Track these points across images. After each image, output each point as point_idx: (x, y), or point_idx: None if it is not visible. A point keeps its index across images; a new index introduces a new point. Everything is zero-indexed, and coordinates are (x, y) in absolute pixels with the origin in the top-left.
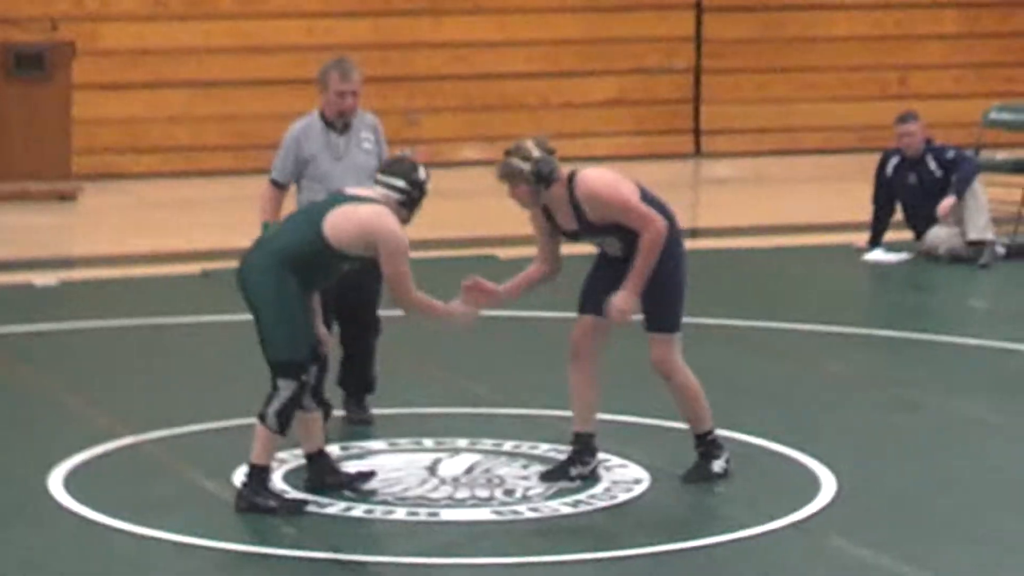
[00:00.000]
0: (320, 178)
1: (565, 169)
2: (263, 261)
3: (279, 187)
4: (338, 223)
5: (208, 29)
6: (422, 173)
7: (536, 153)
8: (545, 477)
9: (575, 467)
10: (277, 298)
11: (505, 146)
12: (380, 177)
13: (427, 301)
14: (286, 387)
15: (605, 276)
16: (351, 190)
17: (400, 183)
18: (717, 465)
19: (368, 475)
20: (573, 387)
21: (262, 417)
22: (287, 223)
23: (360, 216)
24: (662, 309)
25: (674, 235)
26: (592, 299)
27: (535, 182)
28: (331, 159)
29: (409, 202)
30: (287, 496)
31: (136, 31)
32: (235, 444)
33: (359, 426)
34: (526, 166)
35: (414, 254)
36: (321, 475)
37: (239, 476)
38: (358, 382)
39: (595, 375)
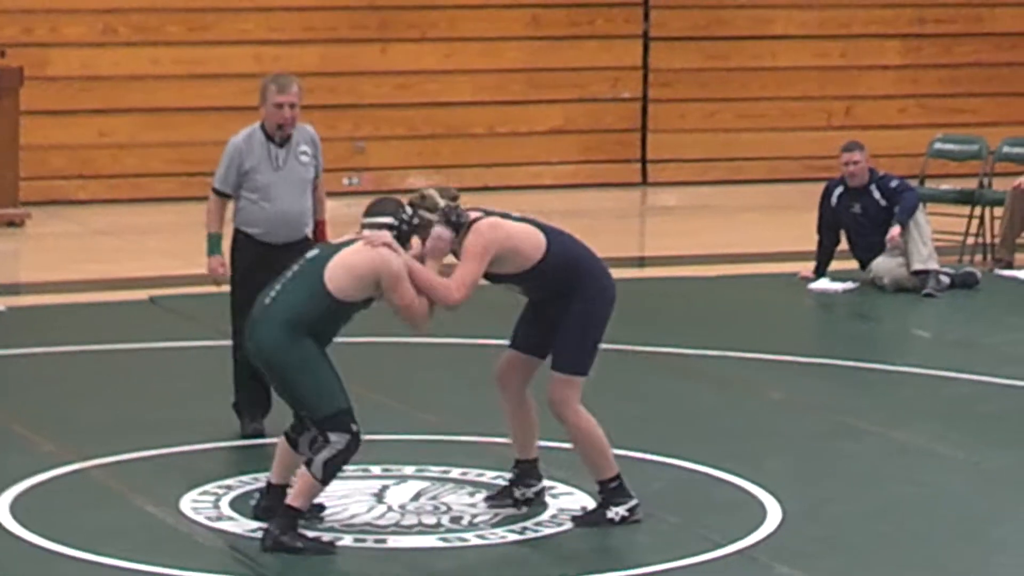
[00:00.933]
0: (258, 189)
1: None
2: (274, 333)
3: (222, 196)
4: (338, 275)
5: (156, 56)
6: (408, 210)
7: (441, 201)
8: (489, 500)
9: (518, 489)
10: (301, 363)
11: (451, 175)
12: (366, 220)
13: (428, 305)
14: (339, 439)
15: (528, 315)
16: (335, 240)
17: (388, 220)
18: (613, 512)
19: (319, 507)
20: (506, 416)
21: (308, 463)
22: (286, 289)
23: (355, 261)
24: (567, 348)
25: (592, 273)
26: (517, 335)
27: (446, 228)
28: (270, 170)
29: (399, 238)
30: (314, 537)
31: (84, 58)
32: (181, 470)
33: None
34: (433, 217)
35: None
36: (277, 505)
37: (187, 503)
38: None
39: (523, 403)
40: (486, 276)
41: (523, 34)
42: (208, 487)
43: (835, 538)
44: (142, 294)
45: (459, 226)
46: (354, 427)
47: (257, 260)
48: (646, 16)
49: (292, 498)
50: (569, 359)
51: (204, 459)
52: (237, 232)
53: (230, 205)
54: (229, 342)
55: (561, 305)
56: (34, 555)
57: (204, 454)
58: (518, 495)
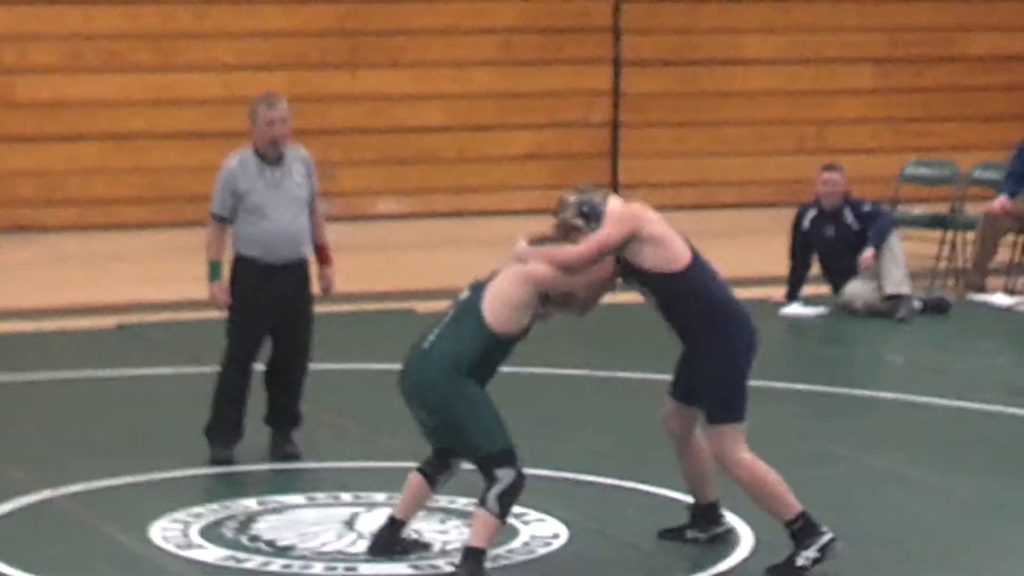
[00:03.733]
0: (255, 210)
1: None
2: (438, 374)
3: (223, 222)
4: (496, 309)
5: (124, 82)
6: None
7: (572, 198)
8: (665, 534)
9: (691, 531)
10: (469, 403)
11: (422, 200)
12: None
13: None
14: (506, 475)
15: (683, 360)
16: (478, 279)
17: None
18: (803, 558)
19: (424, 545)
20: (678, 459)
21: (482, 502)
22: (445, 332)
23: (509, 291)
24: (711, 397)
25: (730, 318)
26: (675, 382)
27: (586, 223)
28: (265, 190)
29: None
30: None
31: (53, 84)
32: (150, 498)
33: (290, 460)
34: (568, 213)
35: (335, 307)
36: (397, 539)
37: (156, 531)
38: (289, 417)
39: (691, 446)
40: (624, 272)
41: (494, 59)
42: (178, 515)
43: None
44: (111, 321)
45: (592, 216)
46: (518, 464)
47: (258, 283)
48: (617, 40)
49: (473, 539)
50: (715, 408)
51: (174, 487)
52: (238, 257)
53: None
54: (198, 368)
55: (696, 348)
56: None
57: (174, 482)
58: (690, 536)
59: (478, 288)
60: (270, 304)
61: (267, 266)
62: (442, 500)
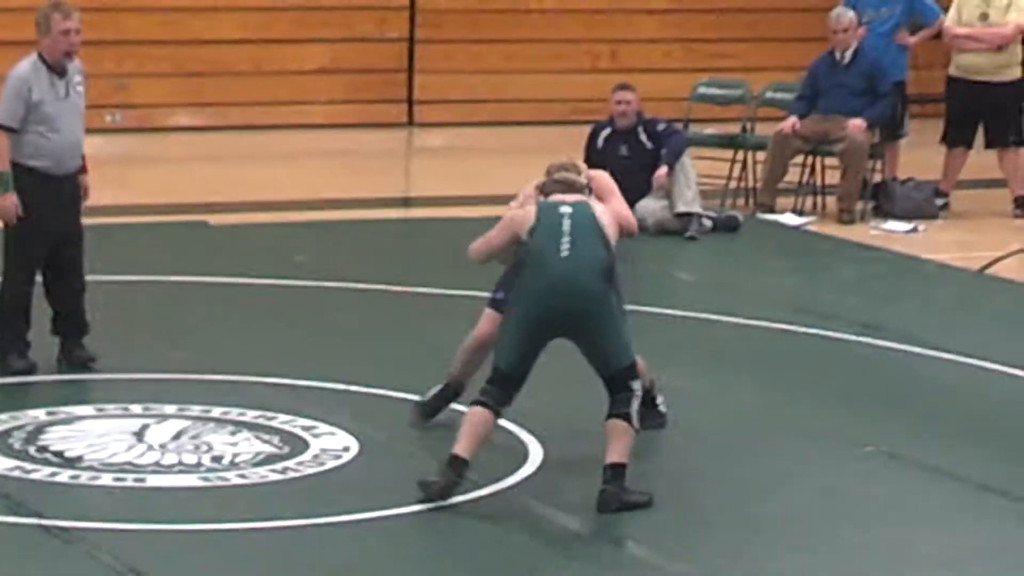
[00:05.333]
0: (46, 120)
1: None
2: (597, 283)
3: (9, 132)
4: (612, 234)
5: None
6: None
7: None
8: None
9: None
10: (619, 314)
11: (217, 113)
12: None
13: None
14: (638, 387)
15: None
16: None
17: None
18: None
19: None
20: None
21: (626, 418)
22: (578, 242)
23: (607, 218)
24: None
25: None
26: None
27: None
28: (55, 101)
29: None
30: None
31: None
32: None
33: (87, 366)
34: (580, 176)
35: (127, 219)
36: (456, 482)
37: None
38: (78, 324)
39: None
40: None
41: None
42: None
43: (593, 477)
44: None
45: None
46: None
47: (46, 195)
48: None
49: (624, 455)
50: None
51: None
52: (19, 167)
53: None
54: None
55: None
56: None
57: None
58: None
59: (579, 206)
60: (53, 215)
61: (53, 177)
62: (232, 412)
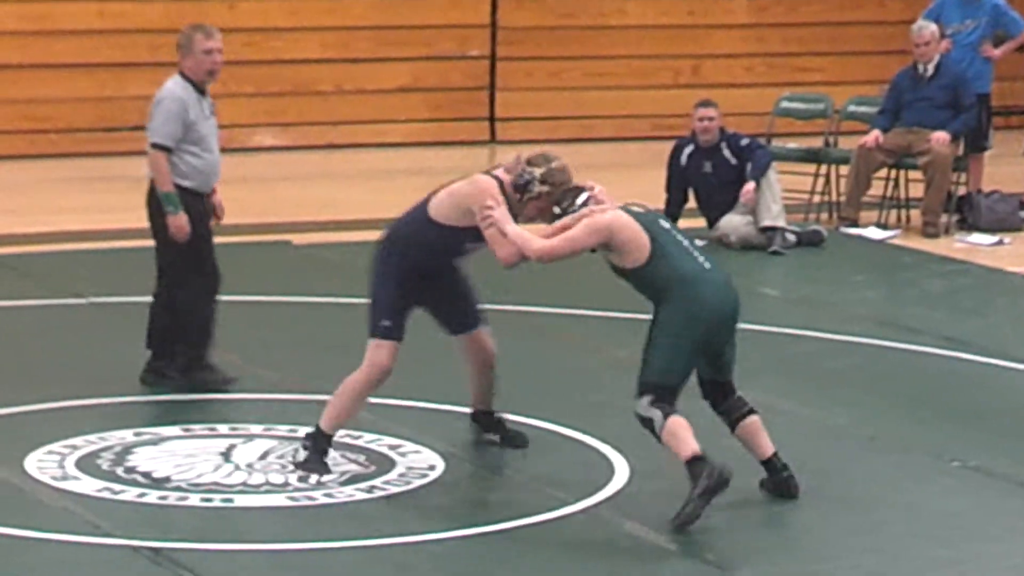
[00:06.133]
0: (199, 141)
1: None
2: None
3: (170, 153)
4: None
5: None
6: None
7: (539, 170)
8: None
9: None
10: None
11: (299, 132)
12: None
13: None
14: None
15: None
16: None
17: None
18: None
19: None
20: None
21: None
22: (705, 257)
23: None
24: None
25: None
26: None
27: (516, 191)
28: (203, 120)
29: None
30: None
31: None
32: (25, 431)
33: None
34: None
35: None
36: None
37: (31, 463)
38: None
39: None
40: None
41: None
42: (53, 447)
43: (681, 494)
44: None
45: (523, 189)
46: None
47: (197, 214)
48: None
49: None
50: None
51: (49, 419)
52: (177, 188)
53: None
54: (72, 300)
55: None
56: None
57: (49, 414)
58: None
59: (669, 222)
60: (203, 232)
61: (200, 196)
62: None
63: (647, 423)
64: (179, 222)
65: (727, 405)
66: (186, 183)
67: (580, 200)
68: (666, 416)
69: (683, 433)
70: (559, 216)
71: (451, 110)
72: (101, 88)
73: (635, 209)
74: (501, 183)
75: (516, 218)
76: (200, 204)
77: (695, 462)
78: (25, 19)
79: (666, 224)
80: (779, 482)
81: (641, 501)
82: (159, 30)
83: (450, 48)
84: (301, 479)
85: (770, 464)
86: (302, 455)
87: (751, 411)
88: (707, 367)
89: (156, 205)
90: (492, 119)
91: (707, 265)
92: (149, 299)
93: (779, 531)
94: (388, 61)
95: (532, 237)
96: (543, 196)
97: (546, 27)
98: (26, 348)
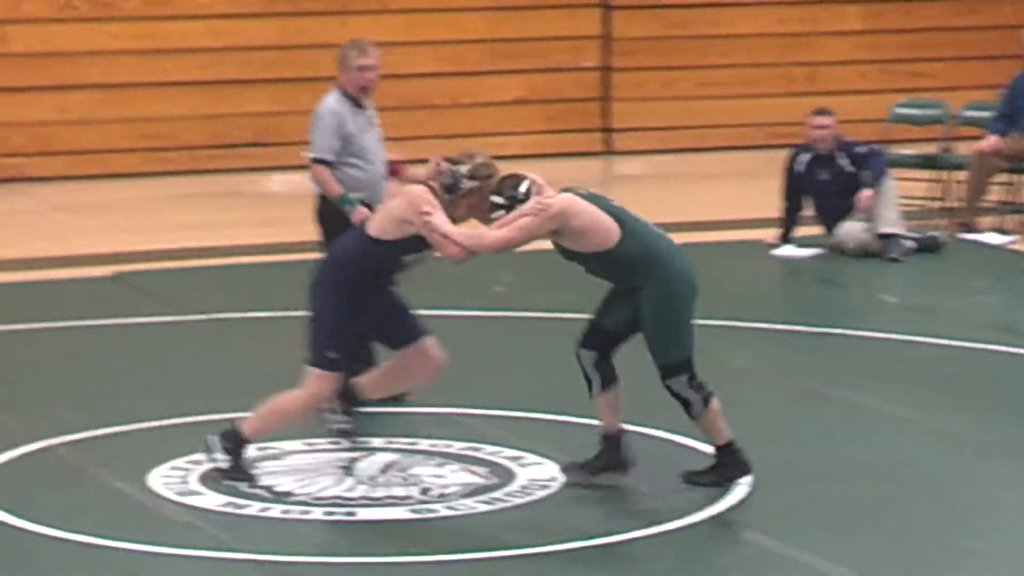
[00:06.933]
0: (361, 152)
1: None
2: None
3: (330, 166)
4: None
5: (115, 31)
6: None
7: (464, 168)
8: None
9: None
10: None
11: (413, 146)
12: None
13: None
14: None
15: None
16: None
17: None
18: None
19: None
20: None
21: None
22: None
23: None
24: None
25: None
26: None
27: (446, 193)
28: (363, 133)
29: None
30: None
31: (43, 34)
32: (149, 446)
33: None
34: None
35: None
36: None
37: (155, 479)
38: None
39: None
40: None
41: (484, 4)
42: (176, 462)
43: (801, 503)
44: (104, 270)
45: (451, 189)
46: None
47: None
48: None
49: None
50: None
51: (172, 434)
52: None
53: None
54: (192, 316)
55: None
56: (3, 533)
57: (172, 429)
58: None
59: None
60: None
61: (370, 208)
62: (439, 444)
63: (685, 404)
64: (362, 215)
65: (608, 364)
66: (354, 196)
67: (523, 188)
68: (706, 400)
69: (719, 420)
70: (501, 207)
71: (565, 122)
72: (216, 105)
73: (583, 192)
74: (432, 189)
75: (453, 220)
76: None
77: (727, 449)
78: (140, 38)
79: (614, 201)
80: (612, 459)
81: (761, 511)
82: (273, 47)
83: (564, 60)
84: (423, 491)
85: (611, 439)
86: (224, 462)
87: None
88: (624, 324)
89: (326, 216)
90: (607, 130)
91: (667, 238)
92: (269, 315)
93: (896, 537)
94: (502, 74)
95: (484, 232)
96: (474, 192)
97: (659, 37)
98: (147, 365)
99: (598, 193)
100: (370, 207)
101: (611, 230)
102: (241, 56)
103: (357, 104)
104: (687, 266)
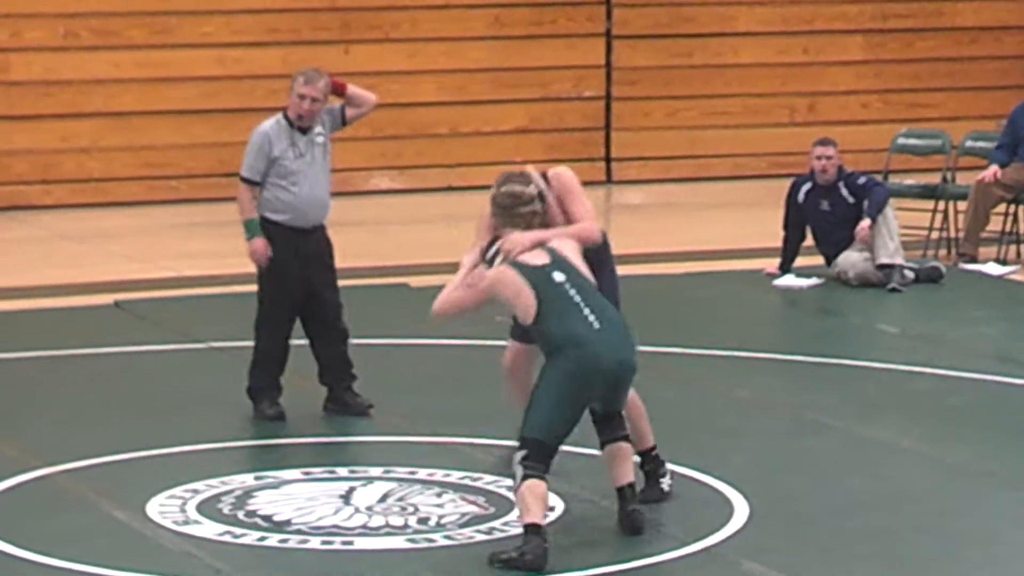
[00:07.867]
0: (286, 175)
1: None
2: (635, 353)
3: (253, 185)
4: (582, 264)
5: (118, 60)
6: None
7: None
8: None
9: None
10: None
11: (416, 175)
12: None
13: None
14: None
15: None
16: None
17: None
18: (665, 483)
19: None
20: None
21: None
22: (599, 310)
23: (570, 239)
24: None
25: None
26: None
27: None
28: (295, 157)
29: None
30: None
31: (46, 62)
32: (147, 475)
33: (366, 414)
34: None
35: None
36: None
37: (153, 507)
38: (342, 374)
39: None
40: None
41: (486, 34)
42: (175, 491)
43: (801, 534)
44: (107, 298)
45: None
46: None
47: (288, 246)
48: (608, 15)
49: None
50: None
51: (170, 462)
52: (265, 220)
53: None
54: (193, 345)
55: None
56: (0, 562)
57: (171, 457)
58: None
59: (571, 270)
60: (301, 267)
61: (298, 230)
62: (437, 474)
63: (513, 476)
64: (256, 245)
65: (607, 425)
66: (278, 217)
67: (491, 251)
68: (524, 479)
69: (532, 501)
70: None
71: (567, 151)
72: (219, 134)
73: (533, 263)
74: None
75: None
76: (295, 240)
77: (529, 530)
78: (144, 67)
79: (561, 277)
80: (626, 514)
81: (760, 541)
82: (276, 75)
83: (565, 89)
84: (421, 521)
85: (622, 493)
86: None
87: (625, 438)
88: (599, 407)
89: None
90: (608, 159)
91: (596, 325)
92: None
93: (897, 568)
94: (504, 103)
95: (441, 294)
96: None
97: (661, 67)
98: (147, 393)
99: (563, 255)
100: (295, 230)
101: (528, 307)
102: (244, 85)
103: (300, 129)
104: (599, 352)
